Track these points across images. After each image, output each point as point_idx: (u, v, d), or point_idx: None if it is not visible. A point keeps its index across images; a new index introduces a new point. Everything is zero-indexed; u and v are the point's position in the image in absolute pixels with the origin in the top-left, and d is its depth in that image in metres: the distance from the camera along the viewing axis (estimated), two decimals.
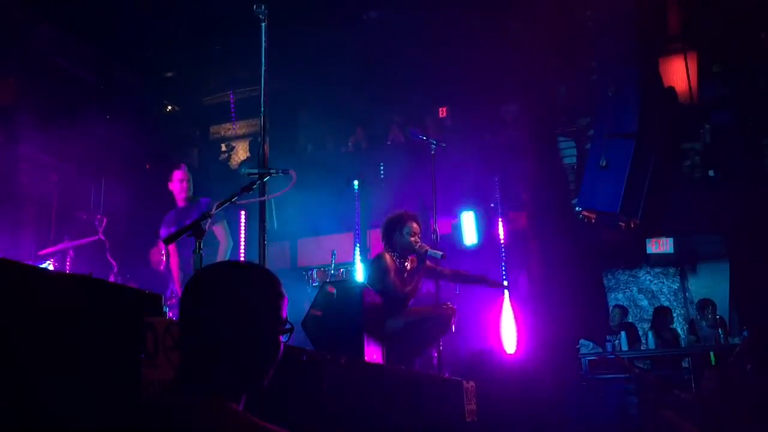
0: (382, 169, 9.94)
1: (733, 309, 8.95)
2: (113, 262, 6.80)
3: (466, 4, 8.35)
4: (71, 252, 6.76)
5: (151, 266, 7.26)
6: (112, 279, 6.60)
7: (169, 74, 10.45)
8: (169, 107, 11.30)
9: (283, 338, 1.51)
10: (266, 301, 1.49)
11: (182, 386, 1.42)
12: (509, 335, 8.17)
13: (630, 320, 9.45)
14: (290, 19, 7.81)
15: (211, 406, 1.37)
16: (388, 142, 10.70)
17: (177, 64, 10.05)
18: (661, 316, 8.48)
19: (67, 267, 6.68)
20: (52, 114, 8.24)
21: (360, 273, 8.29)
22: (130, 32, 8.69)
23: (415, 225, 5.41)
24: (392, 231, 5.41)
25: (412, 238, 5.34)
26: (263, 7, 4.07)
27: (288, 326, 1.53)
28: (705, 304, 8.34)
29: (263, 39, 4.11)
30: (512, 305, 8.33)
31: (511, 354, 8.08)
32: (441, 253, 5.29)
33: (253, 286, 1.48)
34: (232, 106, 11.00)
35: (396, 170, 9.46)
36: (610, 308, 9.15)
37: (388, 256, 5.32)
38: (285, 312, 1.51)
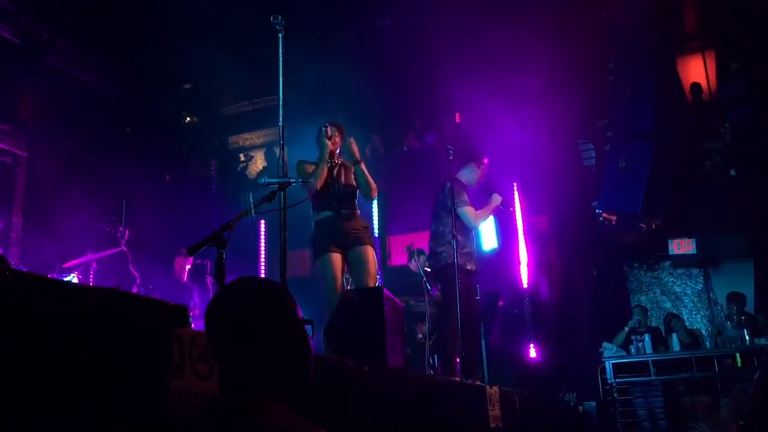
0: (399, 176, 9.93)
1: (758, 309, 8.83)
2: (136, 274, 6.87)
3: (482, 9, 8.35)
4: (94, 264, 6.83)
5: (173, 275, 7.31)
6: (134, 290, 6.67)
7: (188, 86, 10.55)
8: (188, 118, 11.40)
9: (309, 333, 1.69)
10: (283, 306, 1.66)
11: (230, 394, 1.58)
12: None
13: (653, 322, 9.36)
14: (307, 29, 7.86)
15: (261, 406, 1.52)
16: (405, 149, 10.71)
17: (195, 75, 10.14)
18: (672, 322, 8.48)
19: (91, 279, 6.76)
20: (73, 127, 8.35)
21: (381, 280, 8.30)
22: (148, 45, 8.79)
23: None
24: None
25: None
26: (280, 18, 4.10)
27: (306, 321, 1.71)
28: (736, 298, 8.19)
29: (281, 49, 4.14)
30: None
31: (533, 357, 8.06)
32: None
33: (270, 296, 1.67)
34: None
35: (414, 176, 9.46)
36: (632, 308, 9.06)
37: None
38: (299, 312, 1.69)
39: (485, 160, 6.39)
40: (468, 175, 6.24)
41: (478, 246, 6.56)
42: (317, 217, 5.15)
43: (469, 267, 5.95)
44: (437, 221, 6.06)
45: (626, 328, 8.32)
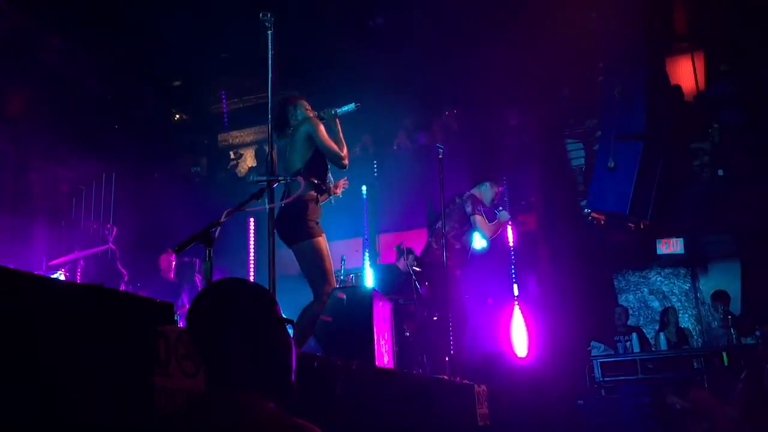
0: (389, 175, 9.92)
1: (744, 308, 8.89)
2: (123, 271, 6.84)
3: (472, 8, 8.35)
4: (81, 261, 6.79)
5: (160, 274, 7.29)
6: (122, 288, 6.64)
7: (177, 83, 10.50)
8: (177, 116, 11.35)
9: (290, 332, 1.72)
10: (264, 306, 1.69)
11: (215, 391, 1.60)
12: (520, 339, 8.17)
13: (641, 321, 9.40)
14: (297, 26, 7.84)
15: (247, 403, 1.55)
16: (395, 147, 10.70)
17: (184, 72, 10.09)
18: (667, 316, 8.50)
19: (78, 276, 6.72)
20: (62, 124, 8.30)
21: (369, 278, 8.29)
22: (138, 42, 8.74)
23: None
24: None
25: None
26: (269, 15, 4.08)
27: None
28: (719, 297, 8.23)
29: (270, 46, 4.12)
30: (522, 309, 8.32)
31: (522, 357, 8.07)
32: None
33: (250, 296, 1.69)
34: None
35: (403, 175, 9.45)
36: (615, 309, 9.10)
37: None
38: (280, 312, 1.72)
39: (500, 188, 6.78)
40: (483, 191, 6.55)
41: (471, 246, 6.61)
42: (314, 196, 4.70)
43: (460, 268, 6.05)
44: (445, 220, 6.11)
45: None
